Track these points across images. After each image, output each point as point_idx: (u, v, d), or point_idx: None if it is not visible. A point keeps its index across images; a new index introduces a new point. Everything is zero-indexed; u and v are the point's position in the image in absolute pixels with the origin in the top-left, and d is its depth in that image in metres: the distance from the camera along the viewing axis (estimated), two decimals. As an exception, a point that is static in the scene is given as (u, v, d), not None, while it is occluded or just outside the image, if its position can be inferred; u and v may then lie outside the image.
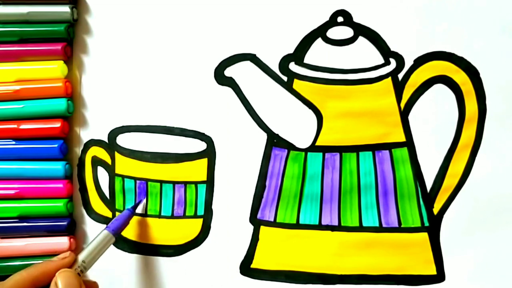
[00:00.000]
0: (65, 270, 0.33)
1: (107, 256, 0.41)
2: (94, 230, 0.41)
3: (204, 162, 0.40)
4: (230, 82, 0.39)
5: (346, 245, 0.39)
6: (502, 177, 0.38)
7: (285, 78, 0.39)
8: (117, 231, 0.37)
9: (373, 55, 0.38)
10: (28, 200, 0.40)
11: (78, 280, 0.33)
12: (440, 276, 0.39)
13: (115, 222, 0.38)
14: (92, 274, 0.41)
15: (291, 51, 0.39)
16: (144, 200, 0.40)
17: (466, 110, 0.38)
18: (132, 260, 0.41)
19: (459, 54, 0.38)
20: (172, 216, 0.40)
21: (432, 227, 0.39)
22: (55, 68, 0.39)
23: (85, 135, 0.41)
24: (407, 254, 0.39)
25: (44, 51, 0.39)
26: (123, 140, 0.40)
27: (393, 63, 0.38)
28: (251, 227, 0.40)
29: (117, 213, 0.41)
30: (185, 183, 0.40)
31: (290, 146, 0.39)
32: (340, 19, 0.38)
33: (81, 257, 0.35)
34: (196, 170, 0.40)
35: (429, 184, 0.39)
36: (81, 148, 0.41)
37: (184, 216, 0.40)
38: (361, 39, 0.38)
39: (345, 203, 0.39)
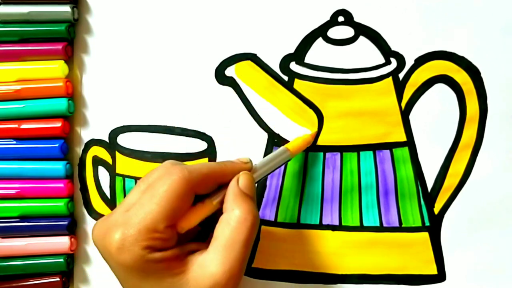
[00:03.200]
0: (247, 172, 0.33)
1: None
2: (95, 230, 0.41)
3: (204, 162, 0.40)
4: (230, 82, 0.39)
5: (347, 245, 0.39)
6: (503, 177, 0.38)
7: (285, 78, 0.39)
8: (296, 150, 0.37)
9: (374, 55, 0.38)
10: (29, 200, 0.40)
11: (254, 187, 0.33)
12: (440, 276, 0.39)
13: (294, 141, 0.37)
14: (91, 273, 0.41)
15: (292, 50, 0.39)
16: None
17: (467, 110, 0.38)
18: (132, 259, 0.41)
19: (460, 54, 0.38)
20: (173, 216, 0.40)
21: (433, 227, 0.39)
22: (56, 68, 0.39)
23: (85, 134, 0.41)
24: (408, 254, 0.39)
25: (44, 50, 0.39)
26: (124, 139, 0.40)
27: (393, 63, 0.38)
28: (251, 227, 0.40)
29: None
30: (186, 183, 0.40)
31: (290, 146, 0.39)
32: (340, 18, 0.38)
33: (257, 167, 0.35)
34: (197, 170, 0.40)
35: (430, 184, 0.39)
36: (82, 147, 0.41)
37: (184, 216, 0.40)
38: (361, 39, 0.38)
39: (346, 203, 0.39)
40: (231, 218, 0.31)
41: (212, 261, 0.30)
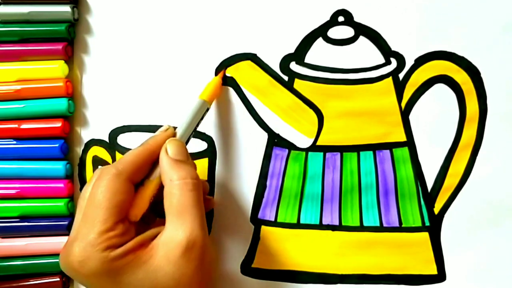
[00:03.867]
0: (173, 139, 0.34)
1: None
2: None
3: (204, 162, 0.40)
4: (230, 82, 0.39)
5: (347, 245, 0.39)
6: (503, 177, 0.38)
7: (286, 78, 0.39)
8: (210, 97, 0.37)
9: (374, 55, 0.38)
10: (29, 200, 0.40)
11: (186, 150, 0.33)
12: (441, 276, 0.39)
13: (206, 89, 0.37)
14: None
15: (292, 50, 0.39)
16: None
17: (467, 110, 0.38)
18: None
19: (460, 54, 0.38)
20: (173, 216, 0.40)
21: (433, 227, 0.39)
22: (56, 68, 0.39)
23: (86, 134, 0.41)
24: (408, 254, 0.39)
25: (45, 50, 0.39)
26: (124, 140, 0.40)
27: (393, 63, 0.38)
28: (251, 227, 0.40)
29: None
30: (186, 183, 0.40)
31: (291, 146, 0.39)
32: (341, 18, 0.38)
33: (180, 129, 0.35)
34: (197, 170, 0.40)
35: (430, 184, 0.39)
36: (82, 147, 0.41)
37: (184, 216, 0.40)
38: (362, 39, 0.38)
39: (346, 203, 0.39)
40: (172, 188, 0.31)
41: (172, 232, 0.30)
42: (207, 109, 0.37)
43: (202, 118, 0.36)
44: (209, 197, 0.39)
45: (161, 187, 0.32)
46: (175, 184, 0.31)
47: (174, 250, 0.30)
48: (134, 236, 0.31)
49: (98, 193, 0.30)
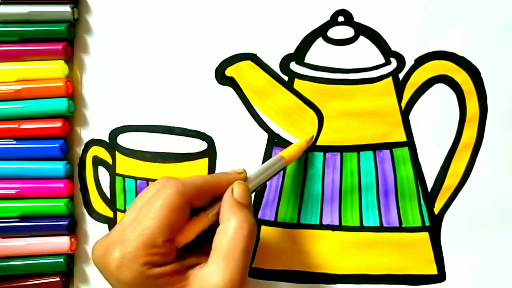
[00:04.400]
0: (241, 182, 0.33)
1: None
2: (95, 230, 0.41)
3: (205, 161, 0.40)
4: (230, 82, 0.39)
5: (347, 245, 0.39)
6: (503, 177, 0.38)
7: (286, 78, 0.39)
8: (291, 158, 0.37)
9: (374, 55, 0.38)
10: (29, 200, 0.40)
11: (250, 196, 0.33)
12: (441, 276, 0.39)
13: (289, 149, 0.37)
14: (91, 273, 0.41)
15: (292, 50, 0.39)
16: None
17: (467, 110, 0.38)
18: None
19: (460, 54, 0.38)
20: (173, 216, 0.40)
21: (433, 227, 0.39)
22: (56, 68, 0.39)
23: (85, 134, 0.41)
24: (408, 254, 0.39)
25: (45, 50, 0.39)
26: (123, 139, 0.40)
27: (393, 63, 0.38)
28: (251, 227, 0.40)
29: (118, 213, 0.41)
30: (186, 183, 0.40)
31: (290, 146, 0.39)
32: (340, 18, 0.38)
33: (251, 176, 0.35)
34: (197, 170, 0.40)
35: (430, 184, 0.39)
36: (82, 147, 0.41)
37: (184, 216, 0.40)
38: (361, 39, 0.38)
39: (346, 203, 0.39)
40: (227, 228, 0.30)
41: (212, 273, 0.29)
42: (284, 168, 0.36)
43: (275, 174, 0.36)
44: None
45: (213, 224, 0.32)
46: (231, 225, 0.30)
47: None
48: (174, 259, 0.30)
49: (157, 204, 0.30)
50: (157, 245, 0.29)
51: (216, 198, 0.33)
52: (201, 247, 0.34)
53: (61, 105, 0.39)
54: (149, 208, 0.30)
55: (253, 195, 0.39)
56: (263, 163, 0.39)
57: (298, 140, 0.39)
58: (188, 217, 0.31)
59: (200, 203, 0.32)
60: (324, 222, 0.39)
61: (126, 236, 0.30)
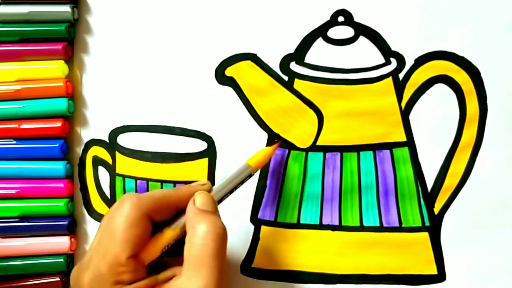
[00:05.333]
0: (203, 191, 0.33)
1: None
2: (95, 230, 0.41)
3: (205, 161, 0.40)
4: (230, 82, 0.39)
5: (347, 245, 0.39)
6: (503, 177, 0.38)
7: (286, 78, 0.39)
8: (257, 166, 0.36)
9: (374, 55, 0.38)
10: (29, 200, 0.40)
11: (215, 203, 0.33)
12: (440, 276, 0.39)
13: (255, 156, 0.37)
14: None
15: (292, 50, 0.39)
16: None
17: (467, 110, 0.38)
18: (132, 259, 0.41)
19: (460, 54, 0.38)
20: (173, 216, 0.40)
21: (433, 227, 0.39)
22: (56, 68, 0.39)
23: (85, 134, 0.41)
24: (408, 254, 0.39)
25: (45, 50, 0.39)
26: (123, 139, 0.40)
27: (393, 63, 0.38)
28: (251, 227, 0.40)
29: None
30: (186, 183, 0.40)
31: (291, 146, 0.39)
32: (340, 18, 0.38)
33: (217, 187, 0.34)
34: (197, 170, 0.40)
35: (430, 184, 0.39)
36: (82, 147, 0.41)
37: (184, 216, 0.40)
38: (361, 39, 0.38)
39: (346, 203, 0.39)
40: (194, 235, 0.30)
41: (186, 282, 0.29)
42: (250, 175, 0.36)
43: (242, 183, 0.36)
44: None
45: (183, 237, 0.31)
46: (196, 232, 0.30)
47: None
48: (145, 276, 0.30)
49: (115, 222, 0.30)
50: (122, 263, 0.29)
51: (180, 212, 0.32)
52: (177, 260, 0.33)
53: (61, 105, 0.39)
54: (107, 228, 0.30)
55: (253, 195, 0.39)
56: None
57: (298, 139, 0.39)
58: (150, 231, 0.31)
59: (162, 216, 0.32)
60: (324, 222, 0.39)
61: (92, 260, 0.30)
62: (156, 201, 0.31)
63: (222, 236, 0.30)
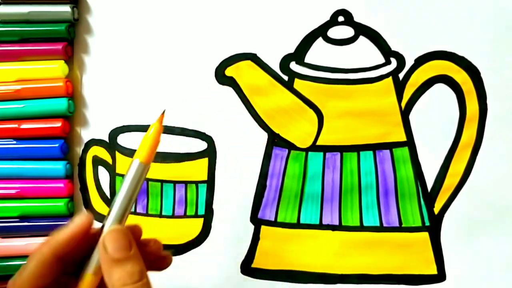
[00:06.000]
0: (112, 230, 0.28)
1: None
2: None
3: (204, 161, 0.40)
4: (230, 82, 0.39)
5: (347, 245, 0.39)
6: (503, 177, 0.38)
7: (286, 78, 0.39)
8: (148, 158, 0.28)
9: (374, 55, 0.38)
10: (29, 200, 0.40)
11: (128, 240, 0.28)
12: (440, 276, 0.39)
13: (141, 148, 0.29)
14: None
15: (292, 50, 0.39)
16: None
17: (467, 110, 0.38)
18: (132, 259, 0.41)
19: (460, 54, 0.38)
20: (173, 216, 0.40)
21: (433, 227, 0.39)
22: (56, 68, 0.39)
23: (85, 134, 0.41)
24: (408, 254, 0.39)
25: (44, 50, 0.39)
26: (123, 139, 0.40)
27: (393, 63, 0.38)
28: (251, 227, 0.40)
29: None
30: (186, 183, 0.40)
31: (291, 146, 0.39)
32: (340, 18, 0.38)
33: (115, 208, 0.28)
34: (197, 170, 0.40)
35: (429, 184, 0.39)
36: (82, 147, 0.41)
37: (184, 216, 0.40)
38: (361, 39, 0.38)
39: (346, 203, 0.39)
40: None
41: None
42: (148, 168, 0.29)
43: (142, 183, 0.29)
44: (165, 253, 0.32)
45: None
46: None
47: None
48: None
49: (23, 279, 0.28)
50: None
51: (90, 252, 0.28)
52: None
53: (61, 105, 0.39)
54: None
55: (253, 195, 0.39)
56: (263, 163, 0.39)
57: (298, 139, 0.39)
58: (59, 268, 0.28)
59: (77, 255, 0.28)
60: (324, 222, 0.39)
61: None
62: (60, 249, 0.28)
63: (146, 283, 0.28)
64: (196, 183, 0.40)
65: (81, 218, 0.28)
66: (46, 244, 0.28)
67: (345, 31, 0.38)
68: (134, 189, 0.28)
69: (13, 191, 0.40)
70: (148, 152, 0.28)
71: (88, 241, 0.28)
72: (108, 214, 0.28)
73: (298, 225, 0.39)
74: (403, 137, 0.38)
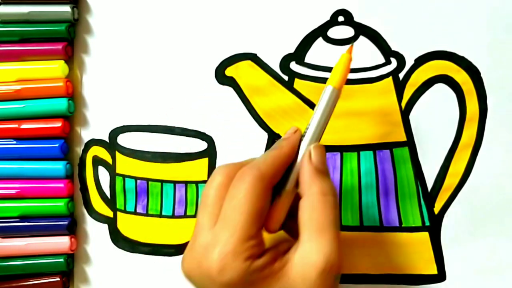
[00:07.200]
0: (318, 145, 0.31)
1: (106, 255, 0.41)
2: (95, 230, 0.41)
3: (205, 161, 0.40)
4: (230, 82, 0.39)
5: (347, 245, 0.39)
6: (503, 177, 0.38)
7: (286, 78, 0.39)
8: (341, 83, 0.32)
9: (374, 55, 0.38)
10: (29, 200, 0.40)
11: (326, 159, 0.31)
12: (441, 276, 0.39)
13: (334, 73, 0.32)
14: (91, 273, 0.41)
15: (292, 50, 0.39)
16: None
17: (467, 110, 0.38)
18: (132, 259, 0.41)
19: (460, 54, 0.38)
20: (173, 216, 0.40)
21: (433, 227, 0.39)
22: (56, 68, 0.39)
23: (86, 134, 0.41)
24: (408, 254, 0.39)
25: (45, 50, 0.39)
26: (124, 139, 0.40)
27: (394, 63, 0.38)
28: (252, 227, 0.40)
29: (118, 213, 0.41)
30: (186, 183, 0.40)
31: (291, 146, 0.39)
32: (340, 18, 0.38)
33: (311, 129, 0.31)
34: (197, 170, 0.40)
35: (430, 184, 0.39)
36: (82, 147, 0.41)
37: (185, 216, 0.40)
38: (361, 39, 0.38)
39: (346, 203, 0.39)
40: (314, 201, 0.29)
41: (310, 251, 0.28)
42: (338, 98, 0.32)
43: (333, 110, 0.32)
44: None
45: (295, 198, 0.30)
46: (318, 197, 0.29)
47: (311, 270, 0.28)
48: (268, 248, 0.29)
49: (241, 196, 0.28)
50: (252, 237, 0.28)
51: (288, 169, 0.31)
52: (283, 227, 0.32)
53: (61, 105, 0.39)
54: (233, 203, 0.28)
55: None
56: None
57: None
58: (271, 199, 0.30)
59: (277, 180, 0.30)
60: (324, 222, 0.39)
61: (219, 236, 0.28)
62: (273, 167, 0.30)
63: (338, 202, 0.30)
64: (197, 183, 0.40)
65: (295, 136, 0.32)
66: (271, 153, 0.31)
67: (345, 31, 0.38)
68: (328, 112, 0.32)
69: (13, 191, 0.40)
70: (340, 78, 0.32)
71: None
72: (304, 134, 0.31)
73: (298, 225, 0.39)
74: (403, 137, 0.38)
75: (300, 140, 0.31)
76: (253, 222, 0.28)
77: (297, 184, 0.31)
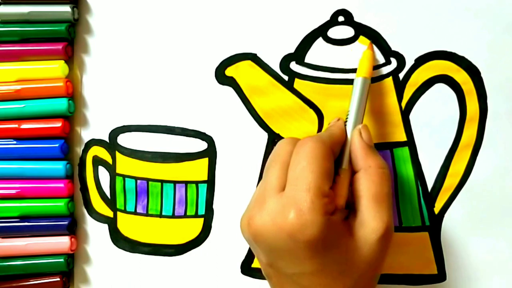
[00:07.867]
0: (365, 126, 0.34)
1: (106, 255, 0.41)
2: (95, 230, 0.41)
3: (205, 161, 0.40)
4: (230, 82, 0.39)
5: (347, 245, 0.39)
6: (503, 177, 0.38)
7: (286, 78, 0.39)
8: (370, 73, 0.36)
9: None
10: (29, 200, 0.40)
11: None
12: (441, 276, 0.39)
13: (362, 65, 0.36)
14: (91, 273, 0.41)
15: (292, 50, 0.39)
16: None
17: (467, 110, 0.38)
18: (132, 260, 0.41)
19: (460, 54, 0.38)
20: (173, 216, 0.40)
21: (433, 227, 0.39)
22: (56, 68, 0.39)
23: (86, 134, 0.41)
24: (408, 254, 0.39)
25: (45, 50, 0.39)
26: (124, 139, 0.40)
27: (394, 63, 0.38)
28: (252, 227, 0.40)
29: (118, 213, 0.41)
30: (186, 183, 0.40)
31: (291, 146, 0.39)
32: (341, 18, 0.38)
33: (352, 115, 0.35)
34: (197, 170, 0.40)
35: (430, 184, 0.39)
36: (82, 147, 0.41)
37: (185, 216, 0.40)
38: (362, 39, 0.38)
39: (346, 203, 0.39)
40: (370, 174, 0.32)
41: (370, 218, 0.30)
42: (369, 83, 0.36)
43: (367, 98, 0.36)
44: None
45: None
46: (374, 170, 0.32)
47: (372, 234, 0.30)
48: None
49: (309, 157, 0.30)
50: (326, 193, 0.29)
51: (341, 151, 0.33)
52: None
53: (61, 105, 0.39)
54: (301, 165, 0.30)
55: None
56: (263, 163, 0.39)
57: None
58: (333, 168, 0.31)
59: (334, 153, 0.32)
60: (324, 222, 0.39)
61: (292, 195, 0.29)
62: (331, 139, 0.32)
63: (390, 174, 0.33)
64: (197, 183, 0.40)
65: (340, 121, 0.35)
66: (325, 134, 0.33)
67: (345, 31, 0.38)
68: (365, 99, 0.35)
69: (13, 191, 0.40)
70: (368, 69, 0.36)
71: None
72: (346, 119, 0.35)
73: (298, 225, 0.39)
74: (403, 137, 0.38)
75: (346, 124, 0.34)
76: (324, 179, 0.30)
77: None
